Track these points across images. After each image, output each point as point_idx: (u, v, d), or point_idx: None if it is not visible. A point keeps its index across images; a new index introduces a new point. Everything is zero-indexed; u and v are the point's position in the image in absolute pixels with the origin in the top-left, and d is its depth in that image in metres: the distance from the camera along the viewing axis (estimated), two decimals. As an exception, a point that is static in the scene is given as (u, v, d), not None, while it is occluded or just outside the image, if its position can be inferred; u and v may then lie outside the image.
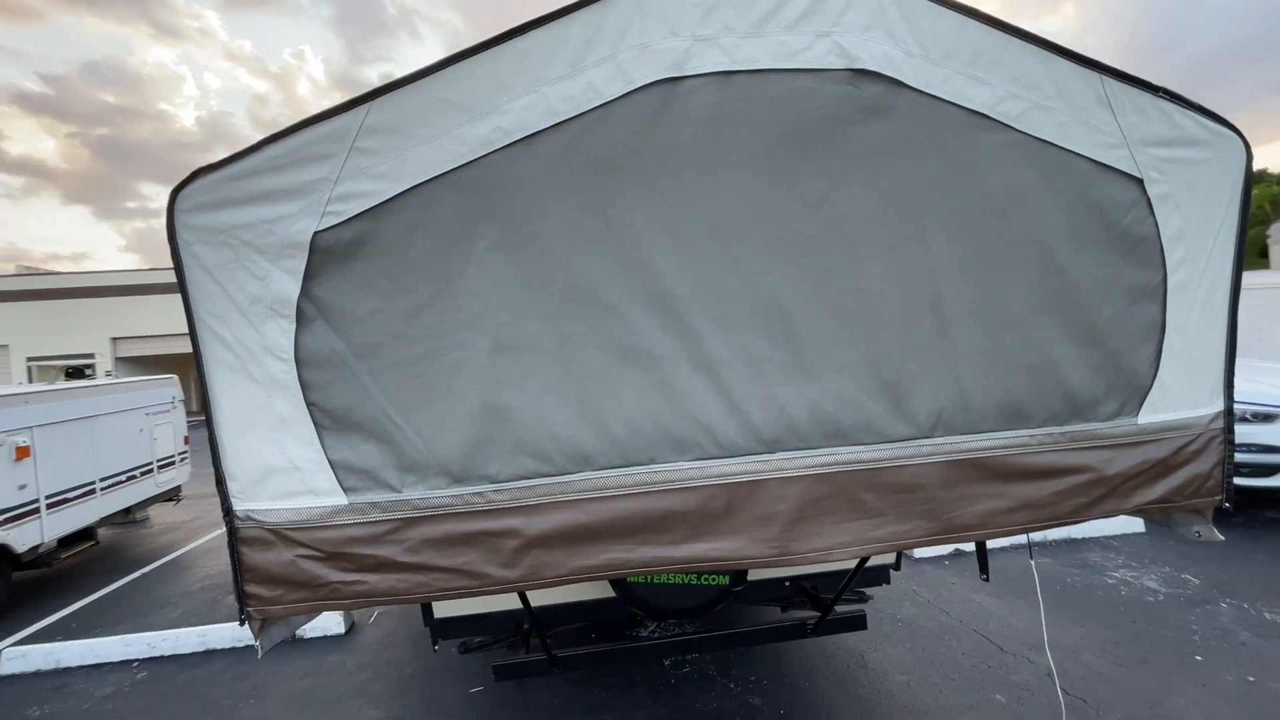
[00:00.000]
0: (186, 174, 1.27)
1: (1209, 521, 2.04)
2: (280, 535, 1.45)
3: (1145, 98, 1.81)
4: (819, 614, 2.85)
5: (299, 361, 1.41)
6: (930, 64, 1.66)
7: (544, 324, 1.57)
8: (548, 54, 1.46)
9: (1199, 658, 3.37)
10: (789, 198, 1.66)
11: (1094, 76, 1.77)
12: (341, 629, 4.14)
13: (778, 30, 1.56)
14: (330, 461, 1.47)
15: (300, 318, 1.40)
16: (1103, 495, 1.88)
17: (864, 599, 3.24)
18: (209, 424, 1.41)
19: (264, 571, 1.45)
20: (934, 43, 1.65)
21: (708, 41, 1.53)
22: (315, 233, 1.36)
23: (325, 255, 1.37)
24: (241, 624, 1.50)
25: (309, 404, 1.44)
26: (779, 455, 1.71)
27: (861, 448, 1.75)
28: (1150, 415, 1.92)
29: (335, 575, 1.47)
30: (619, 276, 1.59)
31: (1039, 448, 1.86)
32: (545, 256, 1.54)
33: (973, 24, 1.65)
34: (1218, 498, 1.97)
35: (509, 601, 2.64)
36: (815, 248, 1.68)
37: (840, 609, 2.87)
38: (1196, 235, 1.91)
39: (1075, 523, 1.89)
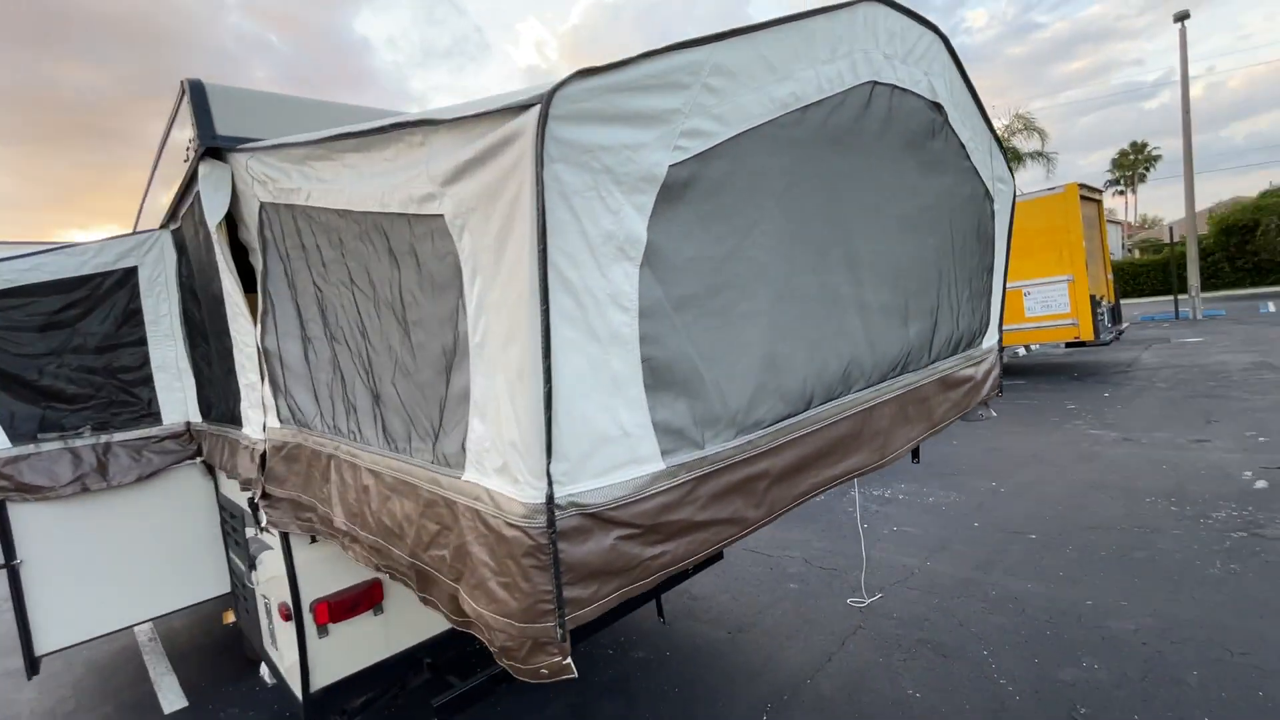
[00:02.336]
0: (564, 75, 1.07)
1: (989, 407, 3.37)
2: (600, 518, 1.26)
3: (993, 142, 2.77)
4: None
5: (640, 312, 1.28)
6: (955, 108, 2.34)
7: (808, 277, 1.75)
8: (821, 38, 1.66)
9: (865, 525, 5.08)
10: (897, 183, 2.14)
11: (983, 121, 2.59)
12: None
13: (911, 62, 2.07)
14: (654, 424, 1.35)
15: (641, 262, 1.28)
16: (974, 393, 2.85)
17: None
18: (547, 393, 1.10)
19: (583, 568, 1.24)
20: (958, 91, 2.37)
21: (889, 60, 1.96)
22: (669, 166, 1.27)
23: (665, 194, 1.28)
24: (562, 639, 1.20)
25: (642, 360, 1.31)
26: (884, 384, 2.16)
27: (912, 374, 2.32)
28: (986, 343, 3.00)
29: (649, 551, 1.35)
30: (837, 236, 1.87)
31: (962, 364, 2.71)
32: (804, 215, 1.71)
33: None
34: (999, 391, 3.32)
35: (391, 648, 2.67)
36: (901, 220, 2.18)
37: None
38: (1001, 242, 3.01)
39: (965, 414, 2.92)
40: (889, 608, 3.91)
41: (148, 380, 3.43)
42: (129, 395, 3.38)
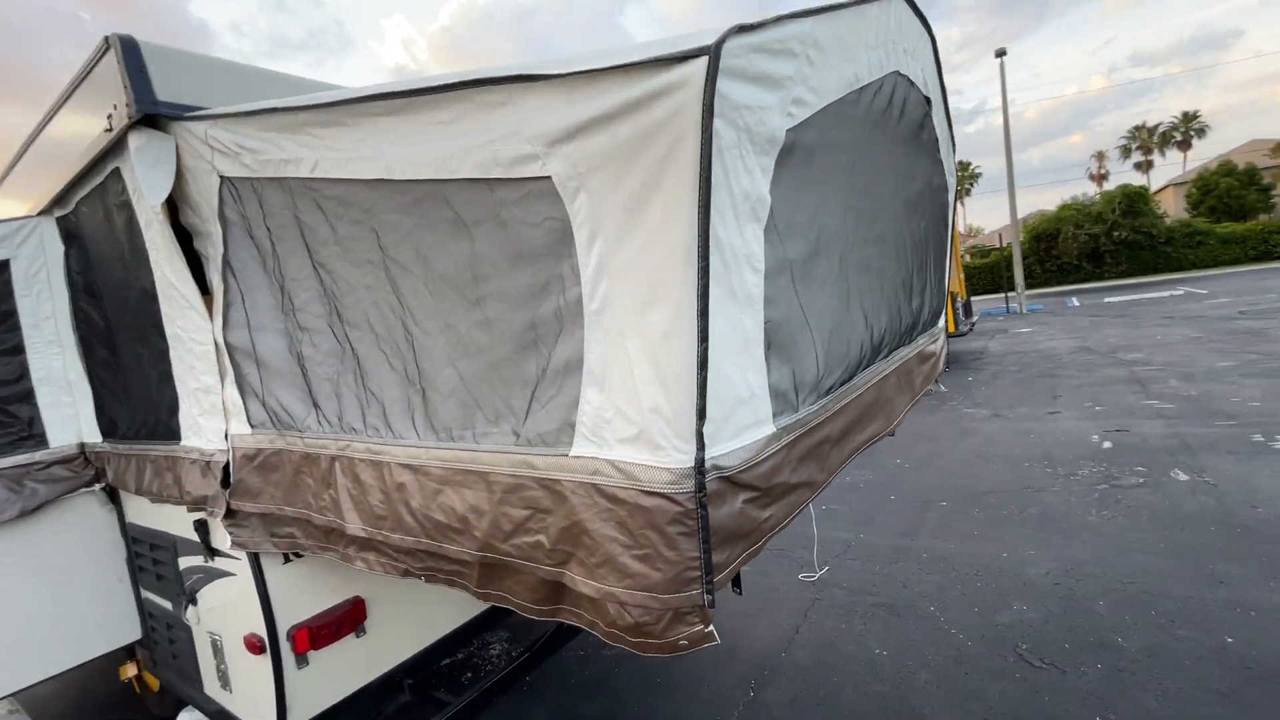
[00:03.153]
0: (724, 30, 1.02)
1: (938, 381, 3.61)
2: (732, 481, 1.23)
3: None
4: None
5: (764, 274, 1.27)
6: (935, 103, 2.49)
7: (861, 248, 1.82)
8: (870, 25, 1.73)
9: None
10: (904, 168, 2.26)
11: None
12: None
13: (913, 56, 2.15)
14: (769, 386, 1.34)
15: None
16: (935, 367, 2.99)
17: None
18: (702, 354, 1.08)
19: (722, 532, 1.20)
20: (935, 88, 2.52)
21: (905, 53, 2.05)
22: (785, 130, 1.26)
23: (781, 158, 1.28)
24: (710, 605, 1.16)
25: (765, 321, 1.30)
26: (894, 354, 2.28)
27: (905, 347, 2.46)
28: (940, 321, 3.12)
29: (763, 514, 1.32)
30: (875, 212, 1.95)
31: (928, 340, 2.85)
32: (856, 189, 1.78)
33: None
34: (947, 367, 3.58)
35: (373, 672, 2.48)
36: (907, 202, 2.30)
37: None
38: (949, 230, 3.16)
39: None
40: (838, 579, 4.17)
41: (27, 396, 2.87)
42: (5, 414, 2.81)
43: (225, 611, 2.38)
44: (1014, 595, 3.64)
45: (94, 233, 2.65)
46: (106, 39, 2.09)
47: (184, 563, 2.58)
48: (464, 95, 1.33)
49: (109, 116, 2.15)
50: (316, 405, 1.91)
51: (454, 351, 1.50)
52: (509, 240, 1.34)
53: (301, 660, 2.23)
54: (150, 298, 2.36)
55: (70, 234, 2.84)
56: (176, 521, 2.60)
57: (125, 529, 3.04)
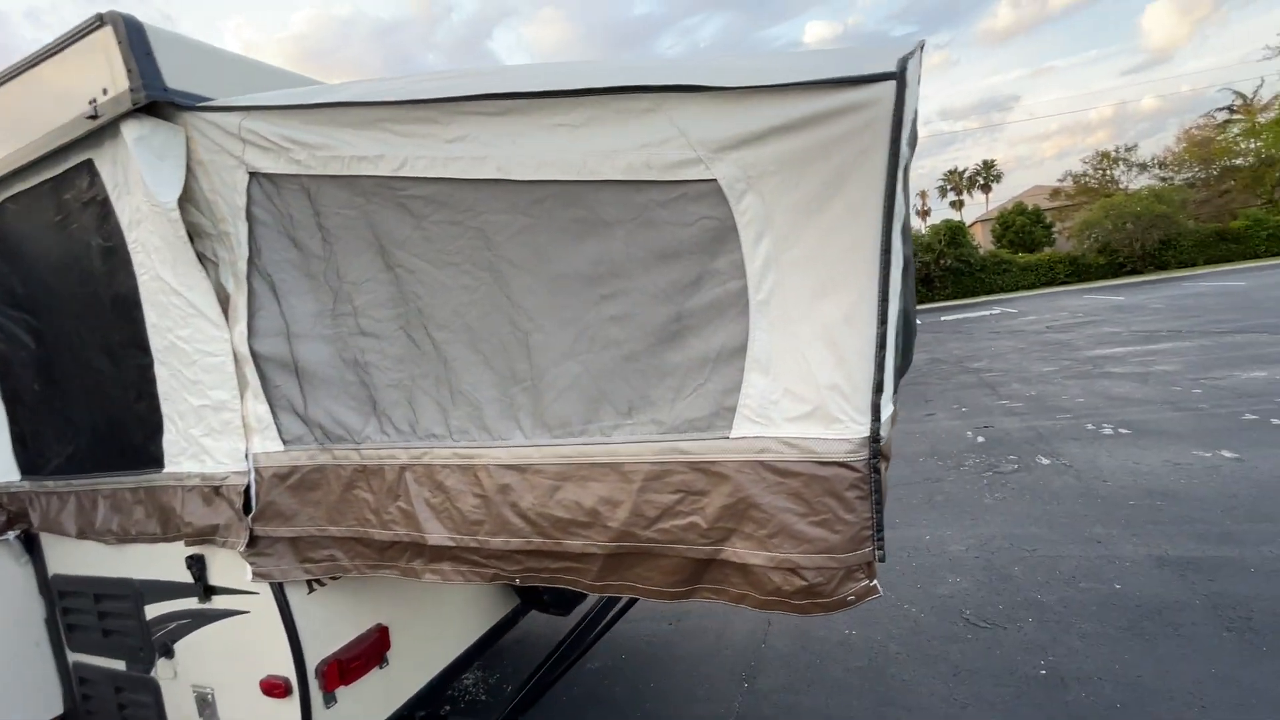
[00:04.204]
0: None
1: None
2: (884, 450, 1.34)
3: None
4: None
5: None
6: None
7: None
8: None
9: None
10: None
11: None
12: None
13: None
14: (895, 369, 1.46)
15: None
16: None
17: None
18: (881, 335, 1.23)
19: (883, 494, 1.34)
20: None
21: None
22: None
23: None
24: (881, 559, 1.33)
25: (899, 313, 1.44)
26: None
27: None
28: None
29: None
30: None
31: None
32: None
33: None
34: None
35: (390, 706, 2.30)
36: None
37: None
38: None
39: None
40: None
41: (-81, 429, 2.37)
42: (-113, 453, 2.29)
43: (227, 657, 2.11)
44: (945, 570, 4.13)
45: (31, 234, 2.29)
46: (100, 16, 1.86)
47: (154, 610, 2.26)
48: (600, 101, 1.40)
49: (92, 102, 1.91)
50: (379, 414, 1.81)
51: (576, 347, 1.53)
52: (653, 239, 1.42)
53: (330, 699, 2.05)
54: (128, 306, 2.09)
55: (-17, 236, 2.41)
56: (141, 564, 2.27)
57: (47, 583, 2.57)
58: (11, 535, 2.52)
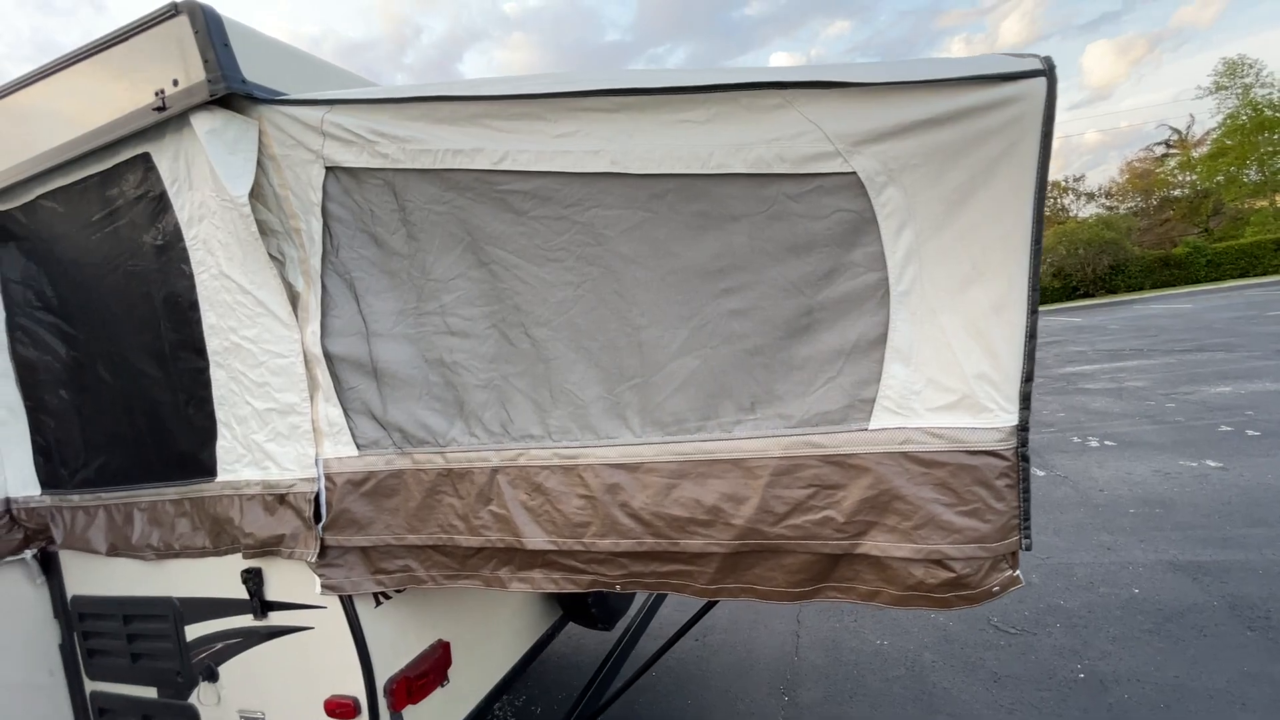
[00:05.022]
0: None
1: None
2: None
3: None
4: None
5: None
6: None
7: None
8: None
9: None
10: None
11: None
12: None
13: None
14: None
15: None
16: None
17: None
18: (1032, 324, 1.24)
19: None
20: None
21: None
22: None
23: None
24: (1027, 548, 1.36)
25: None
26: None
27: None
28: None
29: None
30: None
31: None
32: None
33: None
34: None
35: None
36: None
37: None
38: None
39: None
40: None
41: (-66, 439, 2.19)
42: (-101, 465, 2.12)
43: (284, 678, 1.99)
44: (964, 579, 4.18)
45: (68, 232, 2.17)
46: (175, 4, 1.80)
47: (197, 630, 2.11)
48: (729, 97, 1.41)
49: (159, 93, 1.84)
50: (467, 416, 1.75)
51: (694, 342, 1.52)
52: (781, 231, 1.42)
53: (397, 719, 1.94)
54: (183, 307, 2.00)
55: (10, 234, 2.28)
56: (181, 581, 2.14)
57: (66, 605, 2.39)
58: (28, 554, 2.35)
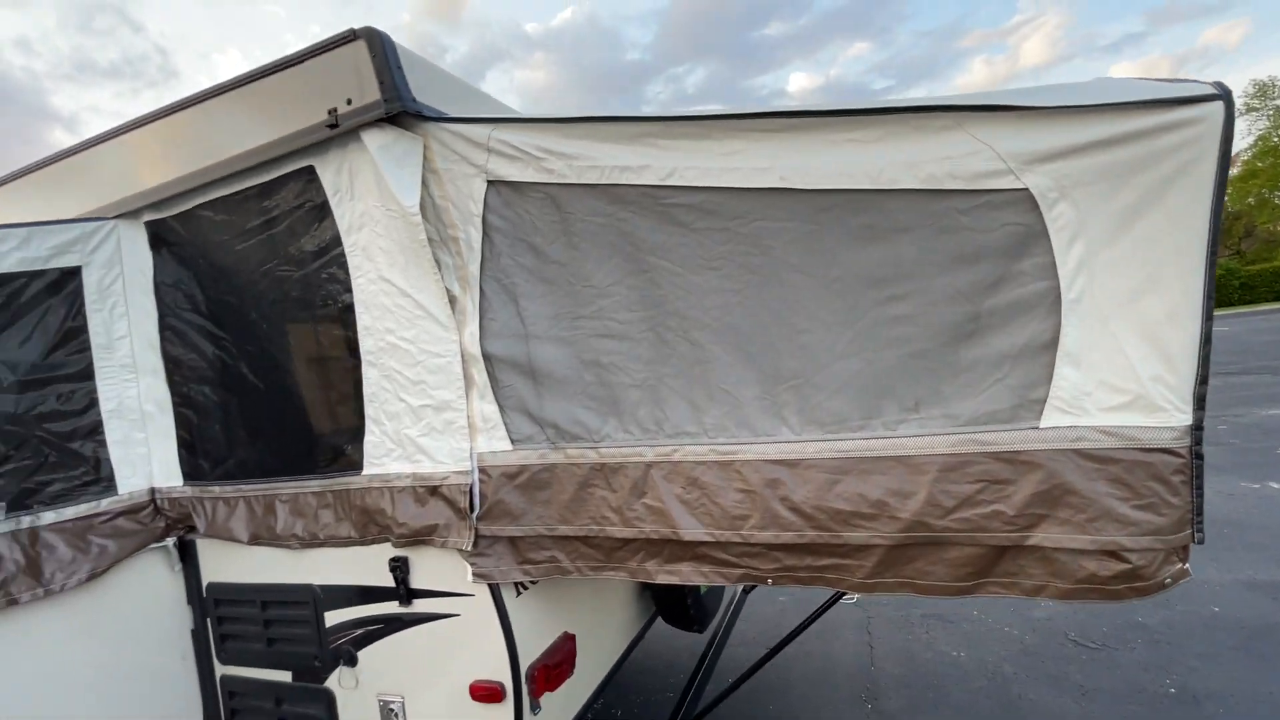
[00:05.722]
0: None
1: None
2: None
3: None
4: None
5: None
6: None
7: None
8: None
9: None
10: None
11: None
12: None
13: None
14: None
15: None
16: None
17: None
18: (1207, 330, 1.32)
19: None
20: None
21: None
22: None
23: None
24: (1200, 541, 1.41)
25: None
26: None
27: None
28: None
29: None
30: None
31: None
32: None
33: None
34: None
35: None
36: None
37: None
38: None
39: None
40: (869, 598, 4.47)
41: (95, 430, 2.33)
42: (67, 453, 2.26)
43: (426, 663, 2.08)
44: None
45: (221, 240, 2.32)
46: (354, 30, 1.95)
47: (337, 617, 2.22)
48: (900, 119, 1.52)
49: (332, 111, 1.99)
50: (621, 413, 1.85)
51: (855, 346, 1.61)
52: (949, 243, 1.51)
53: (535, 706, 2.03)
54: (339, 309, 2.13)
55: (166, 241, 2.44)
56: (321, 569, 2.25)
57: (200, 592, 2.51)
58: (170, 541, 2.48)
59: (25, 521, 2.12)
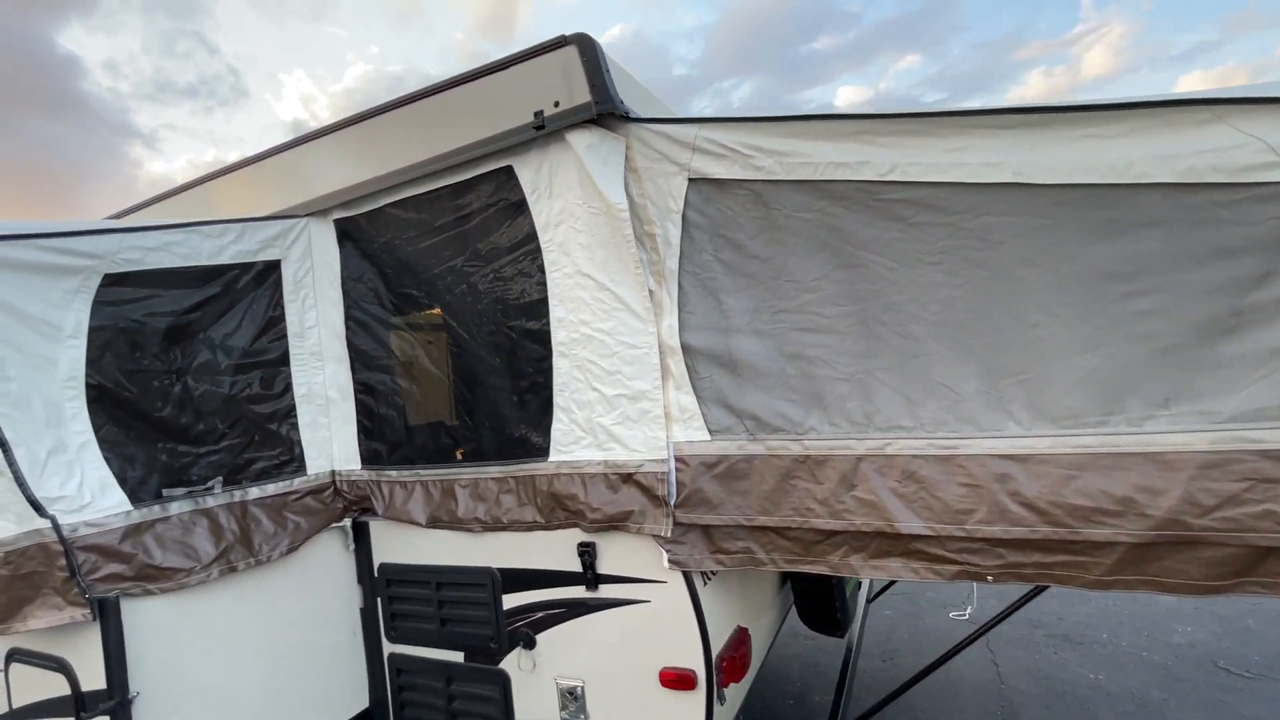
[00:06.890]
0: None
1: None
2: None
3: None
4: None
5: None
6: None
7: None
8: None
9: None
10: None
11: None
12: None
13: None
14: None
15: None
16: None
17: None
18: None
19: None
20: None
21: None
22: None
23: None
24: None
25: None
26: None
27: None
28: None
29: None
30: None
31: None
32: None
33: None
34: None
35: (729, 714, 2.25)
36: None
37: None
38: None
39: None
40: (987, 615, 4.33)
41: (290, 413, 2.48)
42: (267, 434, 2.41)
43: (612, 649, 2.12)
44: (1170, 620, 3.99)
45: (408, 237, 2.45)
46: (564, 36, 2.05)
47: (516, 600, 2.29)
48: (1151, 113, 1.51)
49: (538, 113, 2.08)
50: (827, 407, 1.87)
51: (1093, 341, 1.59)
52: (1204, 237, 1.49)
53: (721, 696, 2.04)
54: (532, 302, 2.22)
55: (352, 237, 2.59)
56: (499, 552, 2.32)
57: (372, 571, 2.63)
58: (347, 522, 2.60)
59: (237, 495, 2.27)
